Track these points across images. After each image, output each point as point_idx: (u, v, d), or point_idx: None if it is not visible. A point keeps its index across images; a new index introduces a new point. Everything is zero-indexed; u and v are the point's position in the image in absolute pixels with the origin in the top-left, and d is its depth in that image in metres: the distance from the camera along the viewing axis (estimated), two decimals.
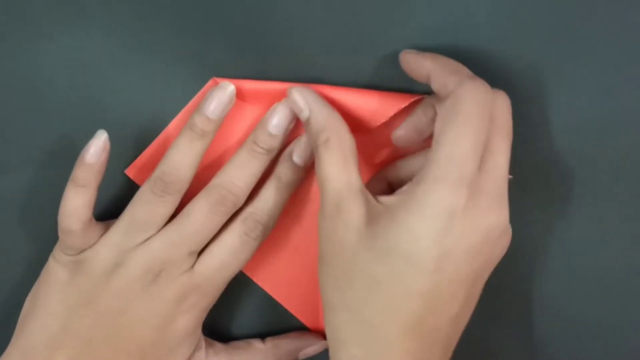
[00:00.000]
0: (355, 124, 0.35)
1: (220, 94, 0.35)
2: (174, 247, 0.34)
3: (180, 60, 0.36)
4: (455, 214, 0.29)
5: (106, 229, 0.35)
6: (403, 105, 0.35)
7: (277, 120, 0.35)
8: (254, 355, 0.39)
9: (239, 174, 0.35)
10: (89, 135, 0.36)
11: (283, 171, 0.36)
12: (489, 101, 0.31)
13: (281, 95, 0.36)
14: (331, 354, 0.33)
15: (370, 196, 0.32)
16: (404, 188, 0.32)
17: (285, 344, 0.39)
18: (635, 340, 0.39)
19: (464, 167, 0.29)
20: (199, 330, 0.37)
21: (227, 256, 0.35)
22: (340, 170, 0.32)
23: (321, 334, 0.40)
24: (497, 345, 0.40)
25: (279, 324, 0.40)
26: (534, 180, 0.37)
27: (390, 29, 0.36)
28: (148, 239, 0.34)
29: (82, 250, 0.35)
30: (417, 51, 0.34)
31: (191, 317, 0.35)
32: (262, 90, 0.36)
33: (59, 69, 0.36)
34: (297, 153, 0.36)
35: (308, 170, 0.37)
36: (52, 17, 0.36)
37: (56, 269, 0.35)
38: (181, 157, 0.34)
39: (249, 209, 0.36)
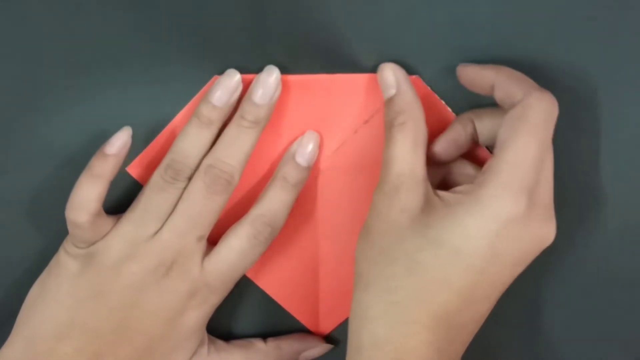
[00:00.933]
0: (349, 110, 0.36)
1: (226, 82, 0.35)
2: (182, 235, 0.34)
3: (180, 60, 0.36)
4: (513, 221, 0.30)
5: (116, 222, 0.35)
6: None
7: (262, 90, 0.35)
8: (255, 354, 0.39)
9: (229, 151, 0.35)
10: (89, 136, 0.36)
11: (288, 171, 0.36)
12: (555, 113, 0.32)
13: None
14: (351, 331, 0.32)
15: (430, 187, 0.33)
16: (464, 188, 0.32)
17: (287, 345, 0.39)
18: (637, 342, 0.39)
19: (528, 176, 0.30)
20: (204, 327, 0.37)
21: (235, 258, 0.35)
22: (409, 154, 0.33)
23: (321, 337, 0.40)
24: (496, 346, 0.40)
25: (280, 325, 0.40)
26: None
27: (391, 29, 0.36)
28: (158, 230, 0.34)
29: (93, 243, 0.35)
30: (476, 64, 0.35)
31: (199, 312, 0.36)
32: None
33: (58, 69, 0.36)
34: (300, 154, 0.37)
35: (312, 170, 0.37)
36: (51, 17, 0.36)
37: (67, 261, 0.35)
38: (189, 145, 0.34)
39: (256, 211, 0.36)
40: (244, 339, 0.40)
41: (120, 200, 0.37)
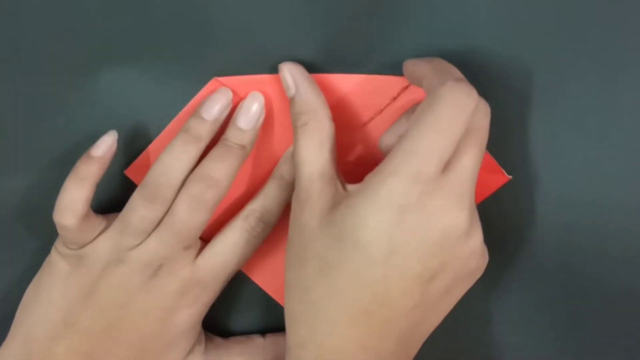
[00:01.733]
0: (349, 111, 0.36)
1: (218, 97, 0.35)
2: (169, 245, 0.34)
3: (180, 60, 0.36)
4: (407, 209, 0.29)
5: (107, 223, 0.35)
6: (397, 91, 0.36)
7: (245, 117, 0.35)
8: (253, 349, 0.39)
9: (216, 167, 0.35)
10: (89, 136, 0.36)
11: (285, 170, 0.36)
12: (469, 105, 0.30)
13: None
14: (286, 334, 0.33)
15: (339, 184, 0.32)
16: (366, 176, 0.31)
17: (284, 340, 0.39)
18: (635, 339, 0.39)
19: (422, 164, 0.29)
20: (199, 325, 0.37)
21: (228, 252, 0.36)
22: (314, 155, 0.33)
23: None
24: (498, 347, 0.40)
25: (280, 321, 0.40)
26: (531, 177, 0.38)
27: (391, 30, 0.36)
28: (144, 240, 0.35)
29: (83, 245, 0.35)
30: (418, 58, 0.34)
31: (192, 311, 0.36)
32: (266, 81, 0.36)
33: (58, 69, 0.36)
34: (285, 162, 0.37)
35: None
36: (51, 17, 0.36)
37: (58, 261, 0.35)
38: (173, 161, 0.34)
39: (250, 206, 0.36)
40: (243, 335, 0.40)
41: (120, 200, 0.37)
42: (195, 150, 0.34)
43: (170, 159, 0.34)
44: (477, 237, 0.31)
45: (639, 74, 0.36)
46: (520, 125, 0.37)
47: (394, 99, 0.36)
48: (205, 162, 0.35)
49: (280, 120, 0.37)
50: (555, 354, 0.40)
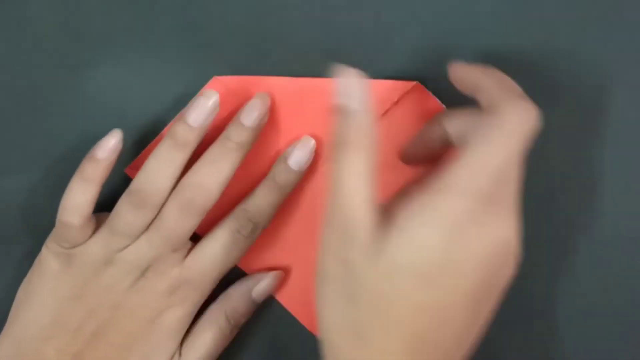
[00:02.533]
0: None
1: (203, 102, 0.34)
2: (158, 248, 0.34)
3: (180, 60, 0.36)
4: (462, 227, 0.28)
5: (99, 224, 0.35)
6: (398, 96, 0.35)
7: (249, 114, 0.35)
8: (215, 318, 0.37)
9: (208, 170, 0.34)
10: (89, 135, 0.36)
11: (278, 172, 0.36)
12: (534, 125, 0.29)
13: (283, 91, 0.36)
14: None
15: (380, 208, 0.30)
16: (412, 195, 0.30)
17: (234, 290, 0.37)
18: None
19: (482, 182, 0.28)
20: (186, 328, 0.36)
21: (217, 252, 0.35)
22: (355, 180, 0.30)
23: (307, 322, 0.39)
24: (500, 350, 0.39)
25: (278, 325, 0.40)
26: (542, 181, 0.37)
27: (391, 29, 0.36)
28: (134, 242, 0.34)
29: (76, 245, 0.35)
30: (469, 63, 0.33)
31: (180, 312, 0.35)
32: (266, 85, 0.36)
33: (58, 69, 0.37)
34: (293, 158, 0.36)
35: (304, 174, 0.37)
36: (51, 17, 0.36)
37: (49, 259, 0.35)
38: (160, 167, 0.34)
39: (241, 206, 0.36)
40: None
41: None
42: (181, 157, 0.34)
43: (156, 166, 0.34)
44: (518, 254, 0.31)
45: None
46: None
47: (395, 103, 0.36)
48: (198, 165, 0.34)
49: (280, 122, 0.37)
50: (557, 354, 0.39)
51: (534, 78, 0.36)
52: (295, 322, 0.39)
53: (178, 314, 0.35)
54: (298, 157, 0.36)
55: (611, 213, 0.37)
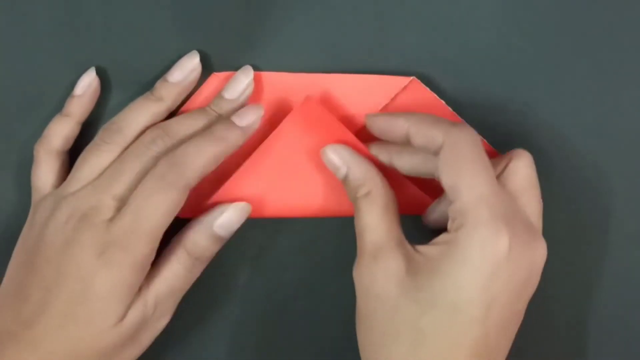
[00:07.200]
0: (348, 111, 0.36)
1: (185, 61, 0.36)
2: (99, 192, 0.33)
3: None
4: (501, 256, 0.29)
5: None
6: (396, 91, 0.36)
7: (231, 88, 0.35)
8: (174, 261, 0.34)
9: (174, 126, 0.34)
10: (89, 136, 0.36)
11: (217, 126, 0.34)
12: (478, 139, 0.31)
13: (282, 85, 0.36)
14: None
15: (409, 246, 0.31)
16: (442, 238, 0.31)
17: (194, 222, 0.35)
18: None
19: (494, 207, 0.29)
20: (132, 292, 0.33)
21: (141, 201, 0.32)
22: (380, 220, 0.32)
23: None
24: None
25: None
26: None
27: (391, 29, 0.36)
28: (81, 188, 0.33)
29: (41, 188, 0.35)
30: (384, 113, 0.35)
31: (113, 273, 0.32)
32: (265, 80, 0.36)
33: (58, 68, 0.36)
34: (238, 114, 0.34)
35: (247, 137, 0.35)
36: (51, 17, 0.36)
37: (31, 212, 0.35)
38: (132, 113, 0.35)
39: (168, 152, 0.33)
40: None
41: None
42: (154, 108, 0.35)
43: (129, 111, 0.35)
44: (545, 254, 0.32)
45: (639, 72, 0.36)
46: (523, 126, 0.37)
47: (393, 98, 0.36)
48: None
49: (275, 116, 0.37)
50: (558, 355, 0.39)
51: (534, 78, 0.36)
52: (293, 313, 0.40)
53: (109, 276, 0.32)
54: (241, 114, 0.35)
55: (620, 212, 0.38)
